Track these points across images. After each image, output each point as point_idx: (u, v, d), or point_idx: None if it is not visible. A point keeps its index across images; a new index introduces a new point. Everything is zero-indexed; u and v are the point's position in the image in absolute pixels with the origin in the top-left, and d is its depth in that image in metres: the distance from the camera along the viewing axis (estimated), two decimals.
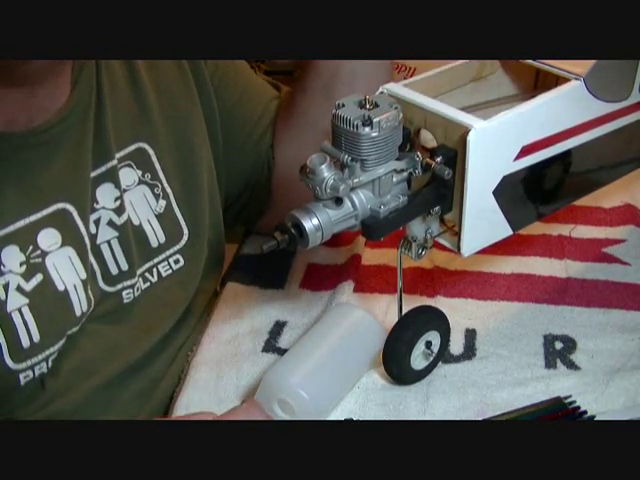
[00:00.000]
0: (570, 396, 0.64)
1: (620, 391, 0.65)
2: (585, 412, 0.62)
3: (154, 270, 0.73)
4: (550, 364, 0.69)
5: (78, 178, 0.66)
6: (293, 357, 0.65)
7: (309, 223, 0.54)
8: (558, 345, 0.71)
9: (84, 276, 0.66)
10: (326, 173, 0.53)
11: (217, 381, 0.69)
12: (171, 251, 0.74)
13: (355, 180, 0.54)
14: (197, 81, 0.76)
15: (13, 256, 0.62)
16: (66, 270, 0.65)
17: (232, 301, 0.78)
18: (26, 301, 0.62)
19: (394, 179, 0.56)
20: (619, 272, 0.78)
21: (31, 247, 0.63)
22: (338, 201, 0.54)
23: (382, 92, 0.60)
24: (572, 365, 0.68)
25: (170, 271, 0.74)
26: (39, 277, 0.63)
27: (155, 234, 0.73)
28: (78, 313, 0.65)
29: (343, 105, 0.54)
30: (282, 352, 0.71)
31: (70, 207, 0.65)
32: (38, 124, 0.63)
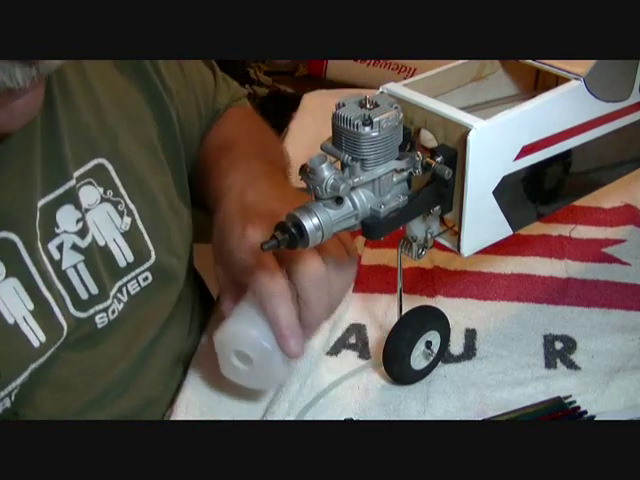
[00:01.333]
0: (570, 396, 0.64)
1: (620, 391, 0.65)
2: (585, 412, 0.62)
3: (124, 289, 0.70)
4: (550, 364, 0.69)
5: (23, 206, 0.62)
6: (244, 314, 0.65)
7: (309, 223, 0.54)
8: (558, 345, 0.71)
9: (31, 307, 0.62)
10: (326, 172, 0.53)
11: (217, 381, 0.69)
12: (140, 269, 0.71)
13: (355, 180, 0.54)
14: (146, 86, 0.74)
15: None
16: (13, 302, 0.61)
17: None
18: None
19: (394, 179, 0.56)
20: (619, 272, 0.78)
21: None
22: (338, 201, 0.54)
23: (382, 92, 0.60)
24: (572, 365, 0.68)
25: (138, 289, 0.71)
26: None
27: (122, 253, 0.69)
28: (36, 344, 0.62)
29: (343, 105, 0.54)
30: None
31: (14, 237, 0.61)
32: None
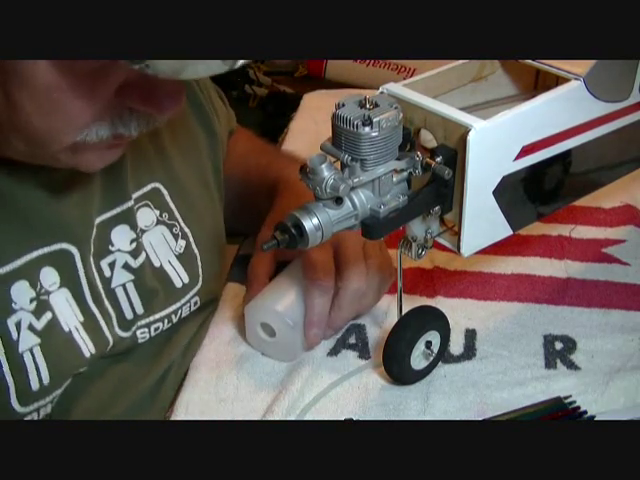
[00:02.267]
0: (570, 396, 0.64)
1: (620, 391, 0.65)
2: (585, 412, 0.62)
3: (179, 312, 0.72)
4: (550, 364, 0.69)
5: (84, 221, 0.64)
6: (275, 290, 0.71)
7: (309, 223, 0.54)
8: (558, 345, 0.71)
9: (81, 319, 0.64)
10: (326, 173, 0.53)
11: (217, 381, 0.69)
12: (193, 292, 0.73)
13: (355, 180, 0.54)
14: (202, 115, 0.77)
15: (23, 292, 0.59)
16: (66, 312, 0.63)
17: (232, 301, 0.78)
18: (38, 341, 0.60)
19: (394, 179, 0.56)
20: (619, 272, 0.78)
21: (39, 283, 0.61)
22: (338, 201, 0.54)
23: (382, 92, 0.60)
24: (572, 365, 0.68)
25: (188, 312, 0.74)
26: (49, 315, 0.61)
27: (178, 275, 0.72)
28: (87, 355, 0.64)
29: (343, 105, 0.54)
30: None
31: (73, 249, 0.63)
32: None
